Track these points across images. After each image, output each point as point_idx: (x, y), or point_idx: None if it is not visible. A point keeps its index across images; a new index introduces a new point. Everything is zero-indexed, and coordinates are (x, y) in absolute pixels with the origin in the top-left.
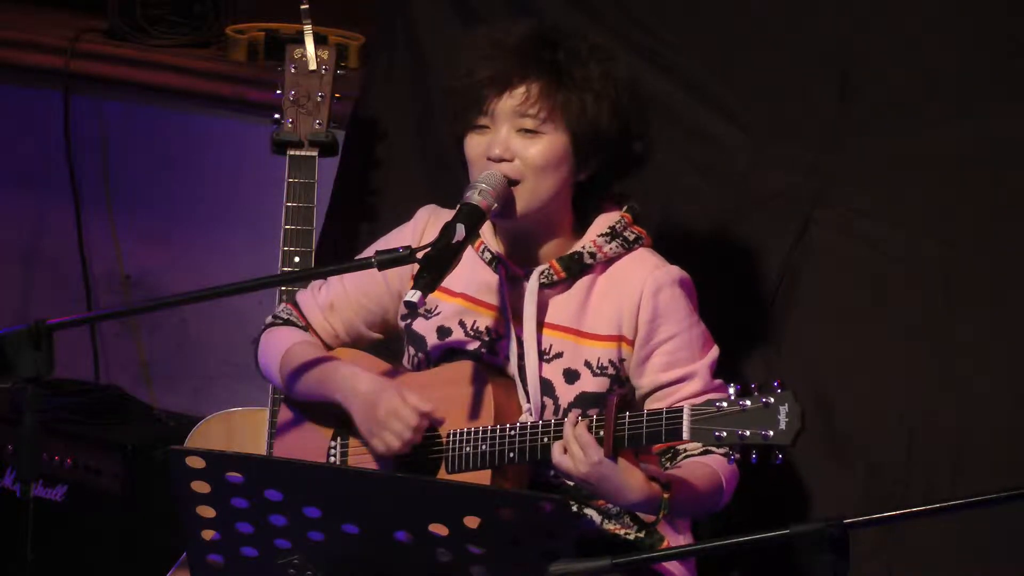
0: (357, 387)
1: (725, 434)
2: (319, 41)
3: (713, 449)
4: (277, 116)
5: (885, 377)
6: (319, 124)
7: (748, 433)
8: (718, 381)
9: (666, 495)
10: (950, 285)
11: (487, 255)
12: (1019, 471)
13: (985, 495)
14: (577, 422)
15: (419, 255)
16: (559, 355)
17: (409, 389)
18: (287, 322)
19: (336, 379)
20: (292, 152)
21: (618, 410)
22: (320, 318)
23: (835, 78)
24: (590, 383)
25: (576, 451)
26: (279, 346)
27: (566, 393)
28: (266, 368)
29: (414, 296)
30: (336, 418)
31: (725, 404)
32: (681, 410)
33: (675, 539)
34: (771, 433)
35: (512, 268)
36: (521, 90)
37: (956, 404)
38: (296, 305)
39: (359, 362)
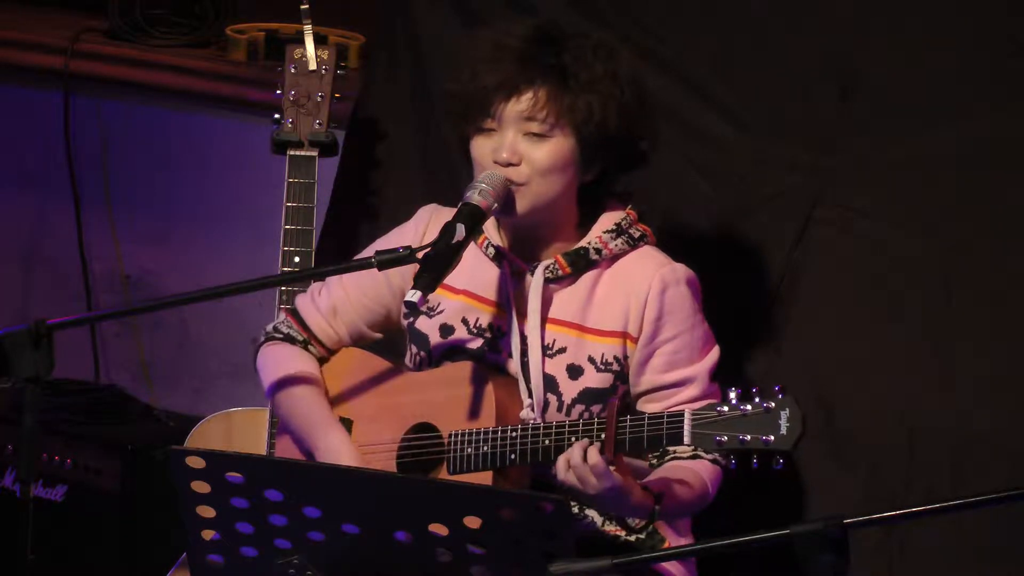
0: (339, 462)
1: (726, 439)
2: (319, 41)
3: (701, 454)
4: (277, 116)
5: (885, 377)
6: (319, 124)
7: (749, 438)
8: (715, 386)
9: (657, 507)
10: (950, 285)
11: (491, 251)
12: (1019, 471)
13: (985, 495)
14: (588, 448)
15: (419, 255)
16: (562, 350)
17: (409, 388)
18: (287, 337)
19: (321, 445)
20: (292, 152)
21: (619, 413)
22: (323, 323)
23: (835, 78)
24: (594, 379)
25: (589, 479)
26: (274, 371)
27: (569, 389)
28: (264, 389)
29: (414, 296)
30: (339, 411)
31: (726, 409)
32: (682, 414)
33: (676, 540)
34: (772, 438)
35: (516, 263)
36: (528, 95)
37: (956, 404)
38: (296, 314)
39: (361, 364)
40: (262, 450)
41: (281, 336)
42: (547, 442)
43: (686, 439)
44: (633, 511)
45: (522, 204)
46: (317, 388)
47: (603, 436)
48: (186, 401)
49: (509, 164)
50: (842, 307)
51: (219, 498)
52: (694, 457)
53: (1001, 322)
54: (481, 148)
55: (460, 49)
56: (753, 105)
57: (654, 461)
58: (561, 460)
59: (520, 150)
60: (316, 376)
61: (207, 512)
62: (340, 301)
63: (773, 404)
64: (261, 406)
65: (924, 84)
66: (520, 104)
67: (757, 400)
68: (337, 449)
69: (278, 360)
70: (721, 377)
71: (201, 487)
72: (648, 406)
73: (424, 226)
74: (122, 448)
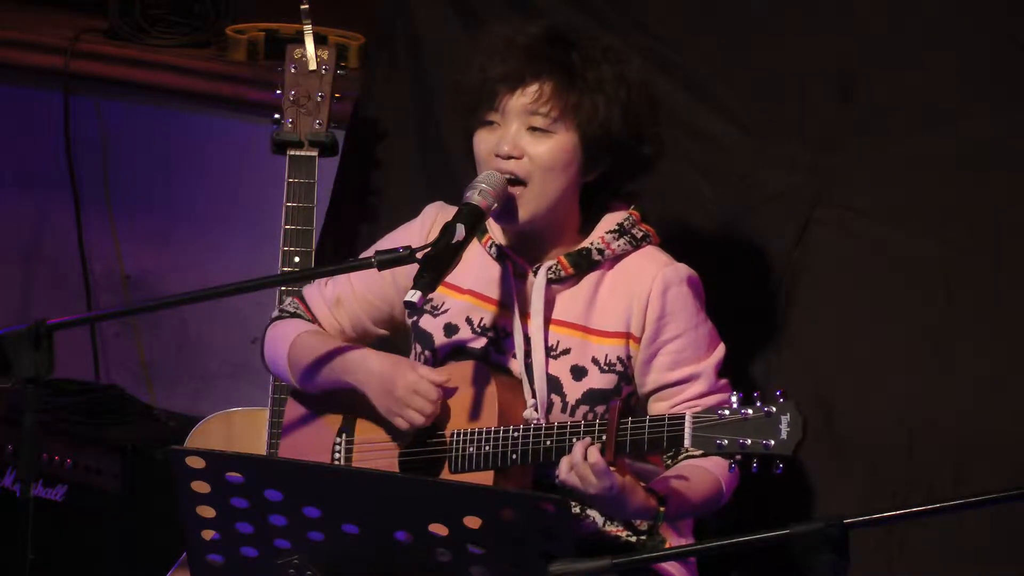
0: (371, 367)
1: (726, 442)
2: (319, 41)
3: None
4: (277, 116)
5: (885, 377)
6: (319, 124)
7: (749, 442)
8: (723, 381)
9: (662, 508)
10: (950, 285)
11: (494, 251)
12: (1019, 471)
13: (985, 495)
14: (589, 447)
15: (419, 255)
16: (566, 351)
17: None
18: (294, 315)
19: (348, 362)
20: (292, 152)
21: (620, 415)
22: (326, 313)
23: (835, 78)
24: (598, 380)
25: (589, 477)
26: (286, 337)
27: (573, 390)
28: (273, 360)
29: (414, 296)
30: (343, 408)
31: (727, 412)
32: (683, 417)
33: (676, 541)
34: (772, 443)
35: (519, 264)
36: (533, 88)
37: (956, 404)
38: (303, 299)
39: None
40: (262, 450)
41: (288, 315)
42: (548, 443)
43: (686, 442)
44: (636, 513)
45: (524, 210)
46: (326, 334)
47: (604, 438)
48: (186, 401)
49: (510, 157)
50: (842, 307)
51: (219, 498)
52: (707, 455)
53: (1001, 322)
54: (483, 142)
55: (471, 44)
56: (753, 105)
57: (669, 461)
58: (564, 461)
59: (522, 144)
60: (324, 331)
61: (207, 512)
62: (345, 293)
63: (774, 409)
64: (261, 406)
65: (924, 84)
66: (525, 97)
67: (758, 404)
68: (364, 359)
69: (287, 330)
70: (725, 377)
71: (201, 487)
72: (657, 405)
73: (430, 224)
74: (122, 448)
